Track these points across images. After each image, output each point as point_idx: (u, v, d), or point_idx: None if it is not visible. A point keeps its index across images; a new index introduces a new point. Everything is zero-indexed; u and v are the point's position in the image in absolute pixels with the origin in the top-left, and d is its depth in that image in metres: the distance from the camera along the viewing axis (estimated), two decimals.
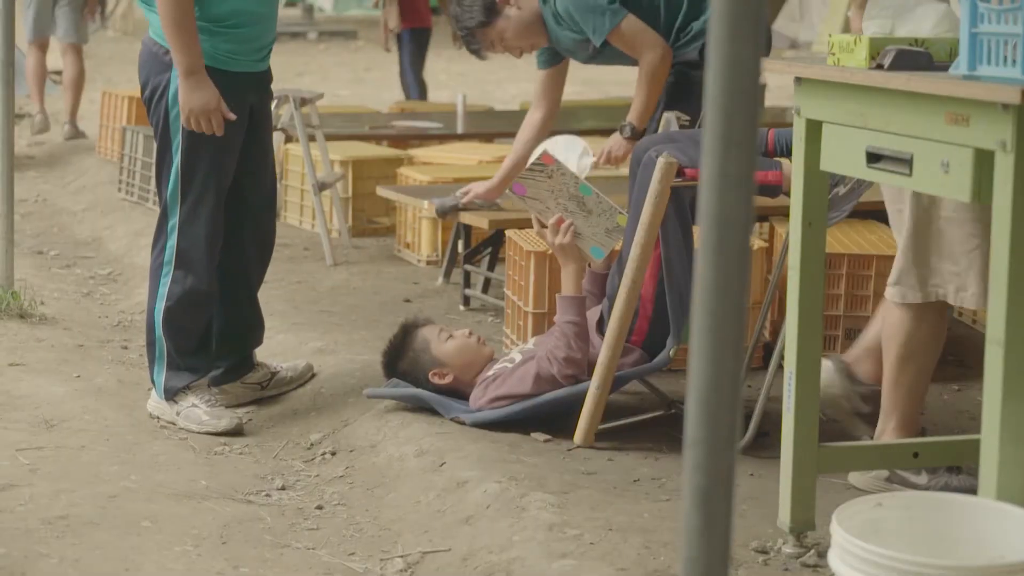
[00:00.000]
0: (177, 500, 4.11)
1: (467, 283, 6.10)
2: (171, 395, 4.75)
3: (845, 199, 4.32)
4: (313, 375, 5.10)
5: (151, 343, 4.76)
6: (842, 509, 2.80)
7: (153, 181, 8.04)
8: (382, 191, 6.72)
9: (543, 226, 4.68)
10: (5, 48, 6.01)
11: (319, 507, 4.17)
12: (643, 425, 4.60)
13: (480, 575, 3.59)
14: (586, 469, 4.19)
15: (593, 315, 4.62)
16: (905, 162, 3.12)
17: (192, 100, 4.48)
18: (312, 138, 7.16)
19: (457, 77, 15.81)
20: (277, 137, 7.41)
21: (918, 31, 3.48)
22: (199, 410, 4.73)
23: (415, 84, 12.06)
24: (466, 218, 5.97)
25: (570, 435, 4.45)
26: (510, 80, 15.73)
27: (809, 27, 18.68)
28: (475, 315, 5.94)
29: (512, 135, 8.59)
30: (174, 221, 4.62)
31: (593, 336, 4.53)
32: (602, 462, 4.27)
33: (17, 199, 7.22)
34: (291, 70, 16.08)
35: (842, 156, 3.34)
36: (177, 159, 4.56)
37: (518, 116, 9.31)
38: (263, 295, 6.14)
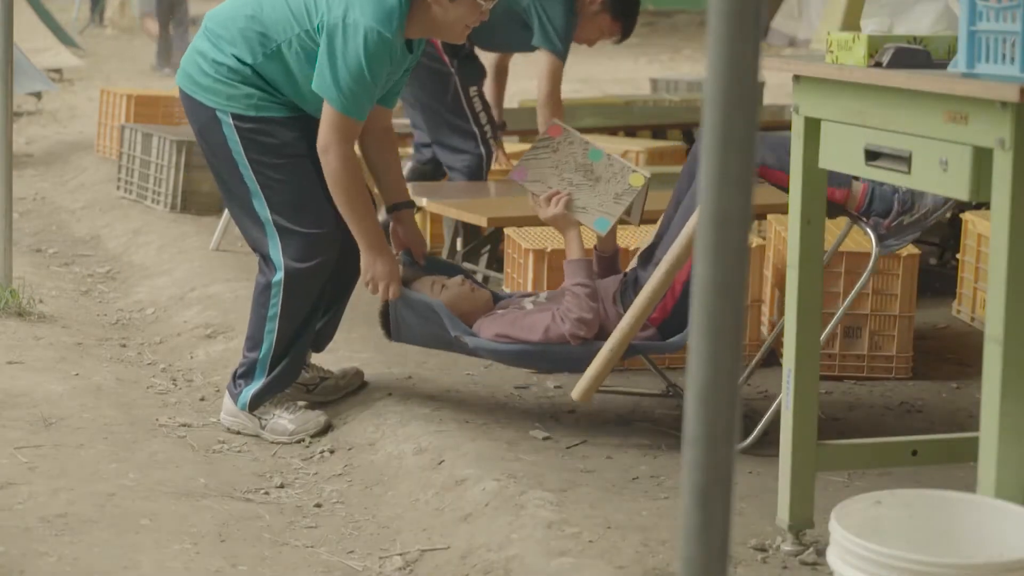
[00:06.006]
0: (176, 498, 4.11)
1: None
2: (254, 407, 4.68)
3: (910, 229, 4.25)
4: (365, 383, 4.94)
5: (252, 359, 4.66)
6: (841, 507, 2.80)
7: (157, 181, 8.06)
8: None
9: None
10: (5, 48, 6.01)
11: (318, 505, 4.17)
12: (641, 423, 4.61)
13: (479, 573, 3.59)
14: (585, 467, 4.20)
15: (609, 286, 4.54)
16: (904, 160, 3.12)
17: (376, 271, 4.50)
18: None
19: None
20: None
21: (917, 29, 3.48)
22: (283, 420, 4.66)
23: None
24: (464, 216, 5.97)
25: (569, 433, 4.45)
26: (509, 78, 15.69)
27: (808, 25, 18.67)
28: None
29: (510, 133, 8.62)
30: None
31: (608, 306, 4.47)
32: (601, 460, 4.27)
33: (16, 197, 7.23)
34: None
35: (841, 154, 3.34)
36: (262, 199, 4.53)
37: (517, 114, 9.31)
38: None
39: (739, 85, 1.85)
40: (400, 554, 3.79)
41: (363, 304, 6.01)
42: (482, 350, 4.47)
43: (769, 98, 9.44)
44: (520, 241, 5.29)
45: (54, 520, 3.88)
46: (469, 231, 6.28)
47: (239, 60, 4.46)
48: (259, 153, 4.49)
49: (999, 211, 2.87)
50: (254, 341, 4.64)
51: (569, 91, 13.16)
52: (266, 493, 4.25)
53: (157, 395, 5.12)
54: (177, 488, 4.19)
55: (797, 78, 3.45)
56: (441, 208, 6.10)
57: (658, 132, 8.27)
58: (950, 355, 5.33)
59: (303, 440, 4.63)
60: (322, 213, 4.53)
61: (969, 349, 5.28)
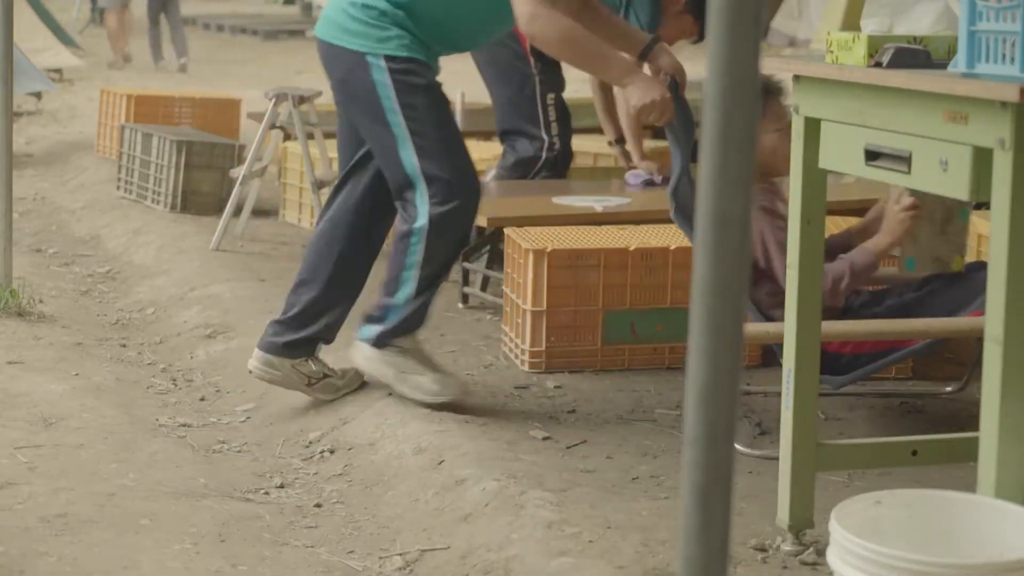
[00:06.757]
0: (175, 498, 4.11)
1: (466, 281, 6.10)
2: (381, 345, 4.62)
3: None
4: (364, 383, 4.88)
5: (387, 303, 4.60)
6: (841, 507, 2.80)
7: (157, 181, 8.06)
8: None
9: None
10: (5, 48, 6.01)
11: (318, 505, 4.17)
12: (641, 423, 4.61)
13: (479, 573, 3.59)
14: (584, 467, 4.20)
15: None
16: (904, 160, 3.12)
17: (645, 98, 4.45)
18: (310, 136, 7.16)
19: (455, 75, 15.81)
20: (275, 135, 7.42)
21: (917, 29, 3.48)
22: (425, 378, 4.62)
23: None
24: None
25: (569, 433, 4.46)
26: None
27: (808, 25, 18.66)
28: (473, 313, 5.94)
29: None
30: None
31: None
32: (600, 460, 4.27)
33: (16, 197, 7.23)
34: (290, 68, 16.08)
35: (841, 154, 3.34)
36: (409, 146, 4.50)
37: None
38: (262, 292, 6.15)
39: (739, 85, 1.85)
40: (400, 554, 3.79)
41: (363, 306, 6.01)
42: None
43: None
44: (520, 241, 5.29)
45: (54, 520, 3.88)
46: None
47: (390, 0, 4.47)
48: (410, 95, 4.48)
49: (999, 211, 2.87)
50: (392, 286, 4.61)
51: (570, 91, 13.15)
52: (266, 493, 4.25)
53: (157, 395, 5.13)
54: (177, 488, 4.19)
55: (797, 78, 3.45)
56: None
57: (658, 132, 8.26)
58: (950, 355, 5.33)
59: (437, 399, 4.58)
60: (464, 157, 4.57)
61: (969, 348, 5.27)
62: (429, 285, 4.61)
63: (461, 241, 4.66)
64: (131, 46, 16.39)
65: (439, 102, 4.56)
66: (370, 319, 4.68)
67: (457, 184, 4.51)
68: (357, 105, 4.56)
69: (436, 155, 4.50)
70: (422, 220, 4.52)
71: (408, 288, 4.58)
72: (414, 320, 4.65)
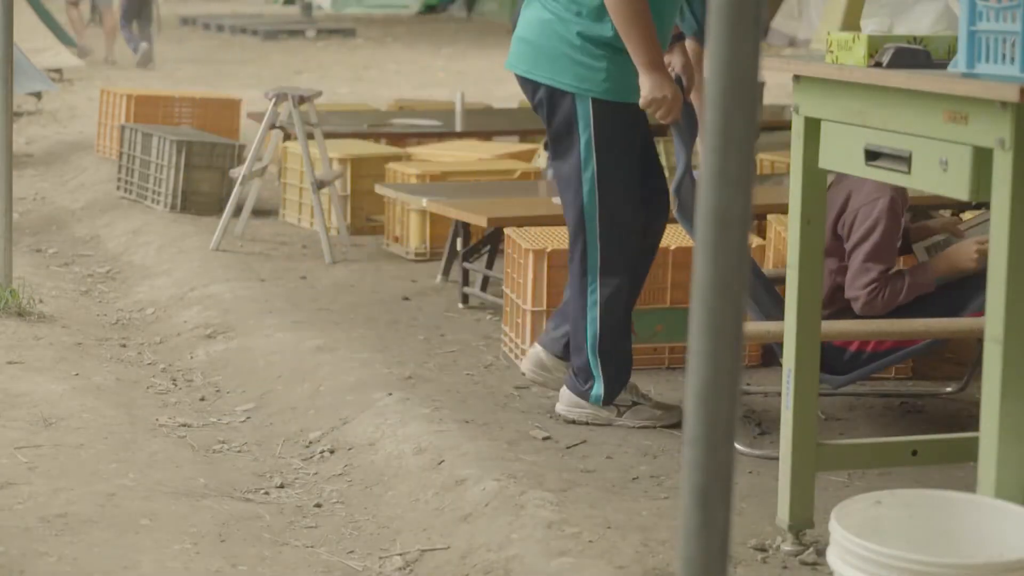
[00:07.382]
0: (175, 498, 4.11)
1: (466, 281, 6.10)
2: (610, 399, 4.62)
3: None
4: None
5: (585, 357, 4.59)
6: (841, 507, 2.80)
7: (157, 181, 8.06)
8: (380, 189, 6.73)
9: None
10: (5, 47, 6.01)
11: (318, 505, 4.17)
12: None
13: (479, 573, 3.59)
14: (584, 467, 4.20)
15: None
16: (904, 160, 3.12)
17: (656, 93, 4.45)
18: (310, 136, 7.16)
19: (456, 75, 15.82)
20: (275, 135, 7.42)
21: (917, 29, 3.48)
22: (646, 406, 4.62)
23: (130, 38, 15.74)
24: (464, 216, 5.97)
25: (569, 434, 4.46)
26: (509, 78, 15.67)
27: (808, 25, 18.66)
28: (474, 313, 5.94)
29: (511, 132, 8.61)
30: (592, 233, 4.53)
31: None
32: (600, 460, 4.27)
33: (16, 197, 7.23)
34: (289, 68, 16.08)
35: (841, 154, 3.34)
36: (590, 172, 4.49)
37: (516, 114, 9.28)
38: (262, 292, 6.15)
39: (739, 85, 1.85)
40: (400, 554, 3.79)
41: (363, 306, 6.02)
42: None
43: (769, 98, 9.43)
44: (520, 241, 5.29)
45: (54, 520, 3.88)
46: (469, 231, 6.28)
47: (590, 19, 4.45)
48: (607, 141, 4.48)
49: (999, 211, 2.87)
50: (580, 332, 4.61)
51: None
52: (266, 493, 4.25)
53: (157, 395, 5.12)
54: (177, 488, 4.19)
55: (797, 78, 3.45)
56: (441, 208, 6.11)
57: (658, 132, 8.27)
58: (950, 355, 5.34)
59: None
60: (638, 205, 4.58)
61: (969, 348, 5.27)
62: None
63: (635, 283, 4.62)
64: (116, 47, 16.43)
65: (632, 149, 4.55)
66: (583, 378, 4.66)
67: (630, 235, 4.53)
68: (556, 141, 4.54)
69: (617, 206, 4.51)
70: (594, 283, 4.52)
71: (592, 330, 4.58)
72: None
